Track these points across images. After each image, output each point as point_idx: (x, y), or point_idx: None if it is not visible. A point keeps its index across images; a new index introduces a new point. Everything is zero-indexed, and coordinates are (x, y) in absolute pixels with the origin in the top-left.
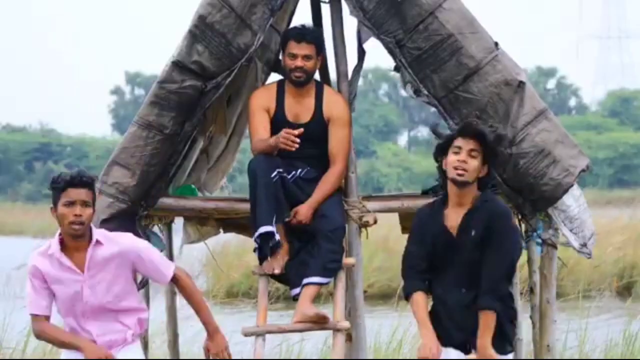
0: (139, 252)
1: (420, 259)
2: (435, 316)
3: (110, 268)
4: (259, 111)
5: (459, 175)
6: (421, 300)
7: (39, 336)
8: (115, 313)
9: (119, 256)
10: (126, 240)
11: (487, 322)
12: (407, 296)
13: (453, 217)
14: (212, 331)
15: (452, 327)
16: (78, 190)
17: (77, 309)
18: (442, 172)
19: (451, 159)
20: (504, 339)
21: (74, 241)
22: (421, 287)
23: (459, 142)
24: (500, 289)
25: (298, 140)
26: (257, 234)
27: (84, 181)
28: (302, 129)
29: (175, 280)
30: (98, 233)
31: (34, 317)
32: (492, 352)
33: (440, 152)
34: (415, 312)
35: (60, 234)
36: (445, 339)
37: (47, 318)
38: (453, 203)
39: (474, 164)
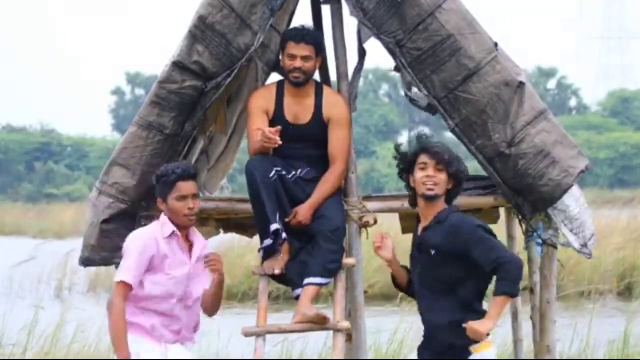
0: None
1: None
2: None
3: (201, 264)
4: (257, 113)
5: (429, 189)
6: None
7: (112, 310)
8: (196, 304)
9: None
10: (206, 244)
11: (500, 306)
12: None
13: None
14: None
15: (422, 347)
16: (188, 184)
17: (177, 295)
18: (412, 189)
19: (419, 175)
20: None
21: (181, 230)
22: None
23: (423, 158)
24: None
25: (278, 139)
26: (271, 230)
27: (192, 174)
28: (279, 127)
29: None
30: (197, 231)
31: (123, 284)
32: (488, 327)
33: (406, 171)
34: None
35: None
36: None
37: (130, 291)
38: (422, 217)
39: (441, 177)
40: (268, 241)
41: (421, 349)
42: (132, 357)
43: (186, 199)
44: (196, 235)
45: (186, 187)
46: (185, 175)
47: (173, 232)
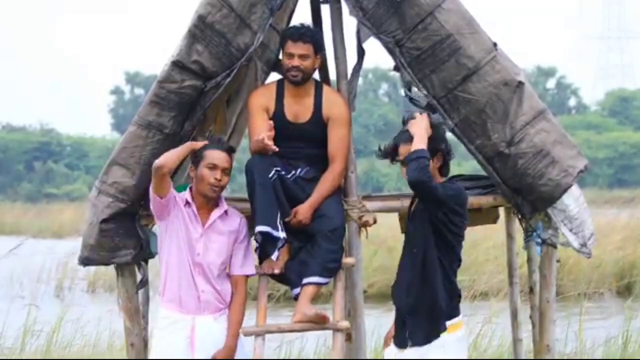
0: (244, 236)
1: None
2: None
3: (225, 238)
4: (258, 111)
5: None
6: None
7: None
8: (219, 278)
9: (235, 232)
10: (242, 220)
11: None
12: None
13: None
14: (228, 342)
15: (397, 317)
16: (221, 155)
17: (190, 259)
18: None
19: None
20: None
21: (204, 200)
22: None
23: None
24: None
25: (272, 144)
26: (255, 231)
27: (226, 147)
28: (272, 122)
29: (237, 282)
30: (225, 203)
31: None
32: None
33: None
34: None
35: (190, 190)
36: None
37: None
38: None
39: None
40: (255, 244)
41: (397, 337)
42: (162, 332)
43: (216, 169)
44: (220, 208)
45: (219, 157)
46: (218, 146)
47: (187, 201)
